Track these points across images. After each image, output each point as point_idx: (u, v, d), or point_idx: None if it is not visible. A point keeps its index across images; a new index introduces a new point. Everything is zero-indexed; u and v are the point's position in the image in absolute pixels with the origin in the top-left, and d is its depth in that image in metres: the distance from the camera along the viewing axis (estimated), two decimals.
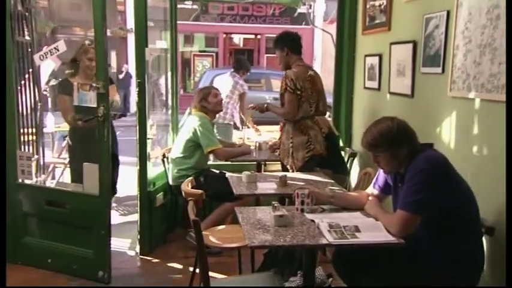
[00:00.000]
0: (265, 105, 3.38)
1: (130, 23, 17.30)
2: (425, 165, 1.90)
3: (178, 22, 4.15)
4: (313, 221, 2.05)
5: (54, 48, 3.09)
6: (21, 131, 3.33)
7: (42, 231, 3.11)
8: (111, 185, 3.13)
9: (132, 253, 3.45)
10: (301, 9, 18.00)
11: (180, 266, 3.26)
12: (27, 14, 3.44)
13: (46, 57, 3.14)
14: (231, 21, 18.33)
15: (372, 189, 2.27)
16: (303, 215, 2.14)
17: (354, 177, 3.81)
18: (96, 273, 2.93)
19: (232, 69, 4.87)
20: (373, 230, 1.93)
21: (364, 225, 1.98)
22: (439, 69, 2.56)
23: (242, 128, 4.67)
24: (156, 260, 3.35)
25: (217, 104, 3.65)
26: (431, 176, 1.88)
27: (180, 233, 3.79)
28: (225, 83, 4.77)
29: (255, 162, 3.79)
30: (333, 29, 12.55)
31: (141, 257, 3.39)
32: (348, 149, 3.86)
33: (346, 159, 3.78)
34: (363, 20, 3.72)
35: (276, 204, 2.10)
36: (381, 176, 2.23)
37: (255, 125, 4.75)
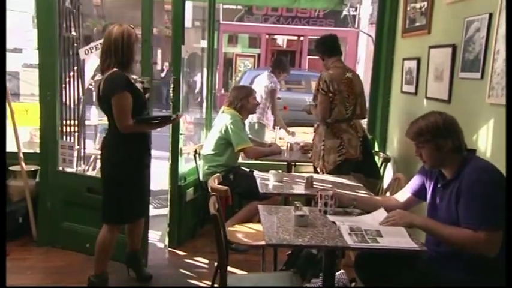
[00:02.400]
0: (309, 107, 3.37)
1: None
2: (488, 178, 1.85)
3: (222, 22, 4.21)
4: (334, 222, 2.03)
5: (100, 43, 3.23)
6: (64, 122, 3.49)
7: (81, 216, 3.25)
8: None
9: (161, 245, 3.55)
10: (347, 11, 17.81)
11: (206, 261, 3.32)
12: (74, 10, 3.62)
13: (91, 52, 3.30)
14: (275, 22, 18.36)
15: (405, 193, 2.22)
16: (326, 217, 2.12)
17: (386, 182, 3.72)
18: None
19: (270, 69, 4.87)
20: (395, 236, 1.88)
21: (386, 230, 1.94)
22: (478, 75, 2.46)
23: (274, 128, 4.68)
24: (183, 253, 3.42)
25: (254, 106, 3.70)
26: (497, 187, 1.82)
27: (210, 229, 3.81)
28: (262, 82, 4.78)
29: (285, 163, 3.79)
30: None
31: (169, 249, 3.47)
32: (382, 153, 3.78)
33: (379, 164, 3.71)
34: (403, 23, 3.62)
35: (298, 204, 2.10)
36: (416, 180, 2.19)
37: (285, 126, 4.76)
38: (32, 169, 3.58)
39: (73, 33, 3.66)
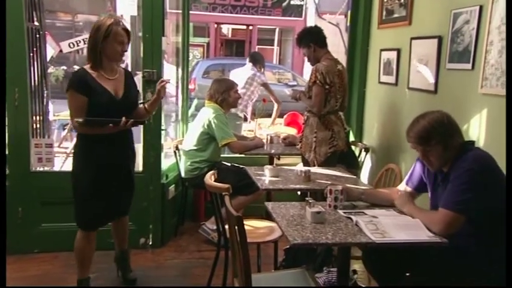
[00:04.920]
0: (298, 95, 3.27)
1: (121, 10, 16.95)
2: (473, 165, 1.84)
3: (169, 11, 4.06)
4: (349, 218, 1.99)
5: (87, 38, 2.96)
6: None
7: (65, 214, 2.95)
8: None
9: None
10: (293, 1, 17.92)
11: (195, 259, 3.20)
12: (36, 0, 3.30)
13: (78, 46, 3.03)
14: (223, 11, 18.06)
15: (405, 186, 2.22)
16: (336, 212, 2.09)
17: (365, 172, 3.78)
18: (138, 241, 3.24)
19: (249, 62, 4.77)
20: (412, 229, 1.88)
21: (401, 223, 1.93)
22: (469, 66, 2.52)
23: (255, 119, 4.62)
24: (170, 253, 3.27)
25: (236, 100, 3.59)
26: (478, 176, 1.83)
27: (190, 226, 3.73)
28: (242, 75, 4.67)
29: (267, 156, 3.72)
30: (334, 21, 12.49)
31: (154, 249, 3.30)
32: (360, 143, 3.82)
33: (357, 154, 3.75)
34: (379, 14, 3.65)
35: (310, 200, 2.05)
36: (415, 173, 2.17)
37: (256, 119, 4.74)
38: None
39: (35, 23, 3.34)
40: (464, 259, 1.89)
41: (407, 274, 2.03)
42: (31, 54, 3.20)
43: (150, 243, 3.31)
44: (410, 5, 3.18)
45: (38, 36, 3.39)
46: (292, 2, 17.86)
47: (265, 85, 4.71)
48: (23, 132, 3.00)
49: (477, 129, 2.48)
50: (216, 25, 18.53)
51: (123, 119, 2.34)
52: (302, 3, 18.00)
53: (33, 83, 3.24)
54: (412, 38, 3.13)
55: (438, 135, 1.89)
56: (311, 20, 16.93)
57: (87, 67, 2.39)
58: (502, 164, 2.02)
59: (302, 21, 17.66)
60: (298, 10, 18.03)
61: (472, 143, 2.08)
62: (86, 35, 3.03)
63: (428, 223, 1.88)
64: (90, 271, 2.60)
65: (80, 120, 2.27)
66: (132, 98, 2.56)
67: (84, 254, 2.55)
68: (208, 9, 17.96)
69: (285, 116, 5.20)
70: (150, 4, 3.08)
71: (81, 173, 2.45)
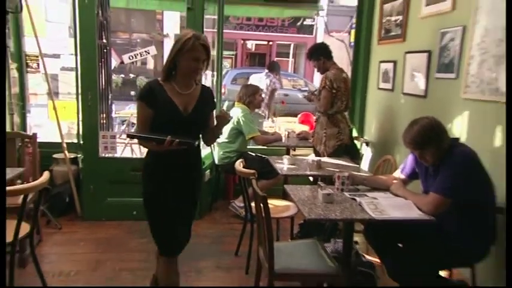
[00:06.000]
0: (311, 96, 3.28)
1: (167, 29, 17.17)
2: (460, 159, 1.83)
3: (206, 30, 4.08)
4: (354, 199, 2.00)
5: (145, 51, 3.00)
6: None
7: (127, 191, 3.14)
8: None
9: None
10: (306, 22, 17.75)
11: (225, 230, 3.26)
12: (105, 22, 3.38)
13: (135, 58, 3.10)
14: (248, 29, 18.07)
15: (400, 174, 2.21)
16: (343, 194, 2.10)
17: (365, 162, 3.75)
18: None
19: (266, 70, 4.79)
20: (406, 209, 1.89)
21: (396, 204, 1.94)
22: (453, 75, 2.48)
23: (269, 118, 4.65)
24: (206, 224, 3.34)
25: (260, 102, 3.62)
26: (465, 168, 1.82)
27: (222, 204, 3.79)
28: (259, 81, 4.70)
29: (284, 148, 3.73)
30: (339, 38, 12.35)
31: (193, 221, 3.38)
32: (361, 138, 3.80)
33: (359, 146, 3.72)
34: (378, 32, 3.60)
35: (322, 184, 2.07)
36: (409, 163, 2.16)
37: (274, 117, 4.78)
38: (72, 156, 3.39)
39: (104, 40, 3.43)
40: (446, 234, 1.89)
41: (400, 245, 2.03)
42: (100, 64, 3.30)
43: None
44: (405, 25, 3.13)
45: (105, 51, 3.48)
46: (305, 23, 17.72)
47: (273, 90, 4.72)
48: (93, 126, 3.11)
49: (459, 127, 2.45)
50: (242, 41, 18.54)
51: (168, 138, 1.71)
52: (313, 23, 17.80)
53: (101, 88, 3.35)
54: (406, 52, 3.09)
55: (430, 139, 1.86)
56: (320, 37, 16.71)
57: (160, 78, 1.87)
58: (481, 157, 2.00)
59: (313, 37, 17.46)
60: (309, 29, 17.88)
61: (457, 139, 2.05)
62: (141, 50, 3.11)
63: (420, 204, 1.88)
64: None
65: (126, 132, 1.85)
66: (202, 114, 1.91)
67: (168, 282, 1.95)
68: (236, 28, 17.96)
69: (298, 116, 5.20)
70: (192, 25, 3.12)
71: (147, 198, 1.92)
